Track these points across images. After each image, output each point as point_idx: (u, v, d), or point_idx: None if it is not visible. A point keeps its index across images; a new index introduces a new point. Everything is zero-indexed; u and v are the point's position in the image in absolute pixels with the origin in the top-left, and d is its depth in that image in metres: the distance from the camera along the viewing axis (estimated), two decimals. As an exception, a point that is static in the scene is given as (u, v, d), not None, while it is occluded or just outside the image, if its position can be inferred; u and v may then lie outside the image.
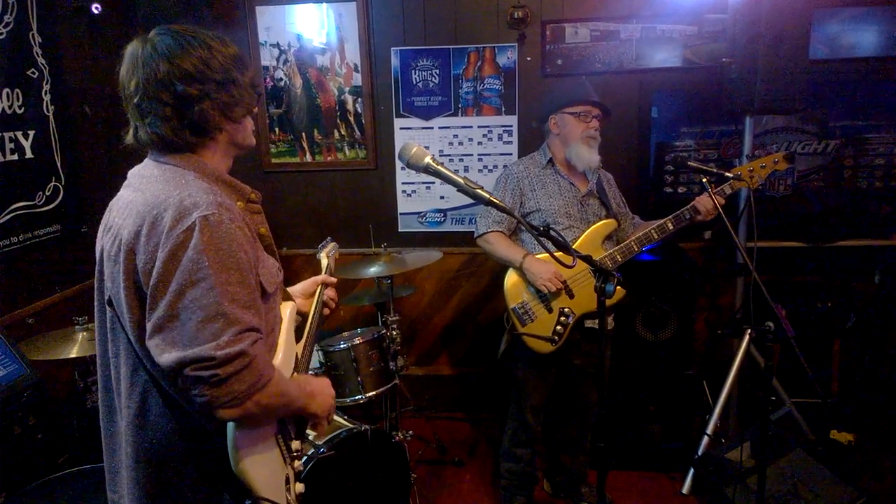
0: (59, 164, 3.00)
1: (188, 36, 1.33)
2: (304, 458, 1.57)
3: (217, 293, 1.16)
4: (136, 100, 1.31)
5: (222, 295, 1.16)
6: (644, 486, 3.16)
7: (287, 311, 1.58)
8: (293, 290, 1.84)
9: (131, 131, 1.36)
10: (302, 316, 1.78)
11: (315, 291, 1.84)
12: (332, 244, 2.22)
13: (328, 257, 2.12)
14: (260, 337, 1.22)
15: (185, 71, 1.28)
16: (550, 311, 2.59)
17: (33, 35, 2.85)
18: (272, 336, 1.45)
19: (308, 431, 1.71)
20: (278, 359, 1.44)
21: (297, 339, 1.65)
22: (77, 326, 2.52)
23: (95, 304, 1.38)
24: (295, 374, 1.54)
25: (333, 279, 1.90)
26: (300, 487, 1.53)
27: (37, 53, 2.87)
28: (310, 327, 1.76)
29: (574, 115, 2.65)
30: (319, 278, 1.87)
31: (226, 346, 1.14)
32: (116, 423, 1.36)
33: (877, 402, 3.58)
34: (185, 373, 1.14)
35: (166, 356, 1.15)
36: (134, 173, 1.38)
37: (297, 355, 1.60)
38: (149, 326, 1.18)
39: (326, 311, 1.86)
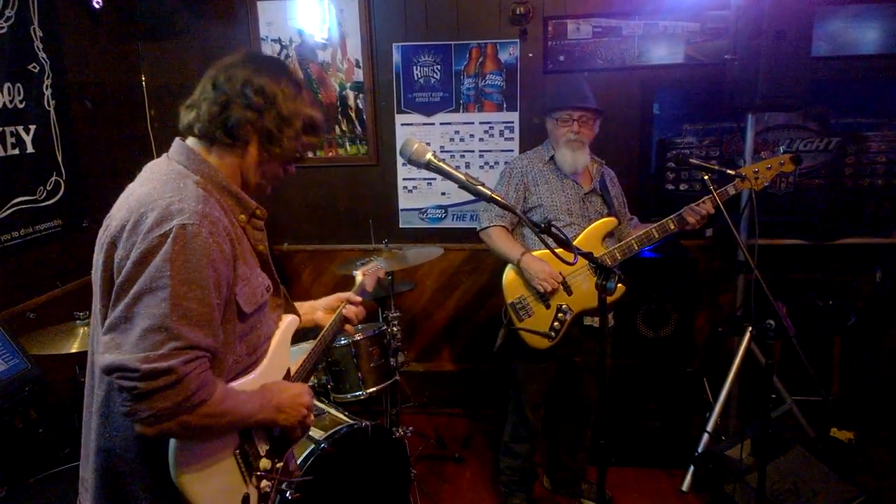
0: (59, 159, 3.00)
1: (291, 74, 1.41)
2: (283, 481, 1.49)
3: (168, 305, 1.15)
4: (197, 94, 1.36)
5: (173, 308, 1.15)
6: (644, 482, 3.16)
7: (284, 323, 1.55)
8: (317, 303, 1.84)
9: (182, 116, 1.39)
10: (321, 329, 1.78)
11: (338, 307, 1.83)
12: (375, 263, 2.15)
13: (364, 275, 2.06)
14: (201, 356, 1.19)
15: (259, 86, 1.33)
16: (548, 307, 2.59)
17: (34, 29, 2.85)
18: (255, 353, 1.43)
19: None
20: (257, 371, 1.42)
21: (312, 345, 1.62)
22: (78, 321, 2.52)
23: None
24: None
25: (357, 298, 1.88)
26: None
27: (38, 48, 2.87)
28: (322, 337, 1.75)
29: (555, 120, 2.66)
30: (344, 295, 1.86)
31: (155, 360, 1.12)
32: (93, 399, 1.36)
33: (877, 401, 3.58)
34: (113, 378, 1.15)
35: (106, 356, 1.15)
36: (147, 166, 1.39)
37: (289, 370, 1.57)
38: (105, 323, 1.19)
39: (349, 327, 1.85)
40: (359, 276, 2.07)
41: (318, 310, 1.82)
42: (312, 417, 1.51)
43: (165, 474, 1.26)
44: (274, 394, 1.41)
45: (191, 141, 1.38)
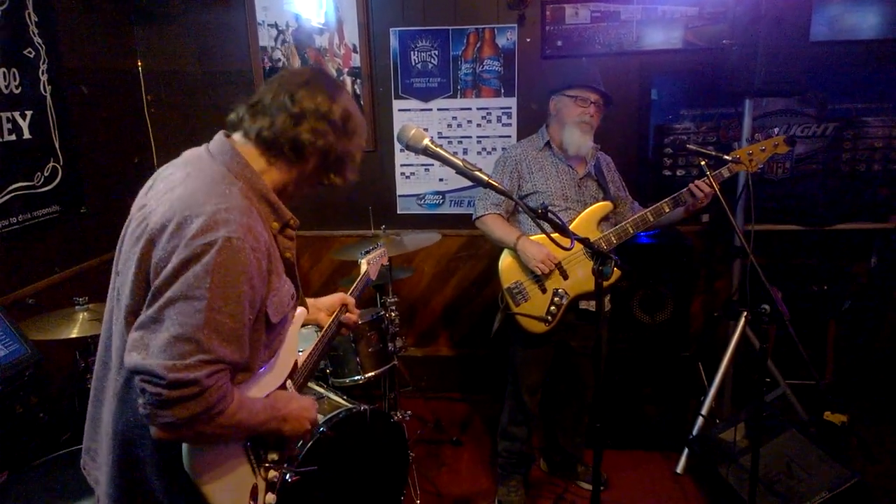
0: (57, 145, 2.99)
1: (351, 103, 1.43)
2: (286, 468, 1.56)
3: (203, 317, 1.15)
4: (269, 99, 1.35)
5: (207, 320, 1.15)
6: (639, 465, 3.20)
7: (295, 316, 1.56)
8: (317, 302, 1.84)
9: (234, 115, 1.40)
10: (319, 328, 1.79)
11: (339, 308, 1.85)
12: (380, 250, 2.14)
13: (369, 264, 2.06)
14: (225, 368, 1.20)
15: (345, 114, 1.38)
16: (544, 291, 2.61)
17: (29, 14, 2.83)
18: (275, 355, 1.46)
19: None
20: (268, 365, 1.44)
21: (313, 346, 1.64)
22: (77, 307, 2.53)
23: (114, 265, 1.38)
24: (288, 383, 1.52)
25: (354, 308, 1.89)
26: (270, 498, 1.48)
27: (33, 33, 2.85)
28: (319, 341, 1.76)
29: (572, 98, 2.65)
30: (347, 298, 1.88)
31: (182, 370, 1.12)
32: (108, 380, 1.37)
33: (870, 384, 3.62)
34: (136, 380, 1.15)
35: (133, 355, 1.16)
36: (186, 159, 1.36)
37: (296, 363, 1.58)
38: (138, 320, 1.19)
39: (345, 330, 1.87)
40: (364, 264, 2.07)
41: (321, 311, 1.82)
42: (312, 429, 1.53)
43: (179, 463, 1.28)
44: (282, 404, 1.42)
45: (238, 139, 1.37)
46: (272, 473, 1.47)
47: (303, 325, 1.68)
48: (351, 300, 1.89)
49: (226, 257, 1.17)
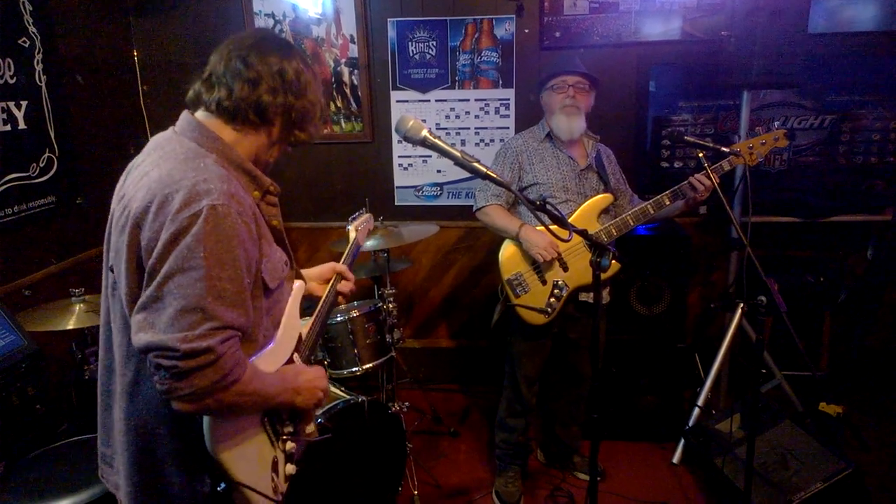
0: (52, 136, 2.97)
1: (305, 57, 1.44)
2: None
3: (204, 286, 1.15)
4: (221, 68, 1.34)
5: (208, 288, 1.16)
6: (636, 455, 3.22)
7: (294, 289, 1.58)
8: (309, 272, 1.84)
9: (192, 92, 1.39)
10: (314, 299, 1.78)
11: (331, 278, 1.84)
12: (366, 216, 2.15)
13: (357, 230, 2.06)
14: (235, 335, 1.21)
15: (295, 70, 1.37)
16: (544, 283, 2.61)
17: (23, 3, 2.80)
18: (278, 326, 1.47)
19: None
20: (276, 338, 1.44)
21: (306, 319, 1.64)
22: (74, 298, 2.53)
23: (103, 264, 1.38)
24: (295, 357, 1.53)
25: (350, 274, 1.89)
26: (291, 469, 1.51)
27: (28, 22, 2.83)
28: (318, 312, 1.75)
29: (551, 89, 2.68)
30: (338, 267, 1.87)
31: (194, 339, 1.13)
32: (114, 383, 1.37)
33: (865, 376, 3.64)
34: (150, 357, 1.15)
35: (140, 335, 1.16)
36: (156, 143, 1.36)
37: (300, 336, 1.59)
38: (138, 302, 1.19)
39: (341, 299, 1.86)
40: (352, 231, 2.07)
41: (311, 280, 1.82)
42: (326, 398, 1.55)
43: (198, 450, 1.29)
44: (292, 377, 1.44)
45: (202, 115, 1.37)
46: (290, 445, 1.51)
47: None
48: (344, 268, 1.88)
49: (214, 224, 1.17)
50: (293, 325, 1.54)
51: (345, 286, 1.86)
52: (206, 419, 1.27)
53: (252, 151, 1.38)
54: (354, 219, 2.14)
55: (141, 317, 1.17)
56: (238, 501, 1.35)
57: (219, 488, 1.32)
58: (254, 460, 1.38)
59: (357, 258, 2.10)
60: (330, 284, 1.82)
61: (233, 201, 1.22)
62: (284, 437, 1.50)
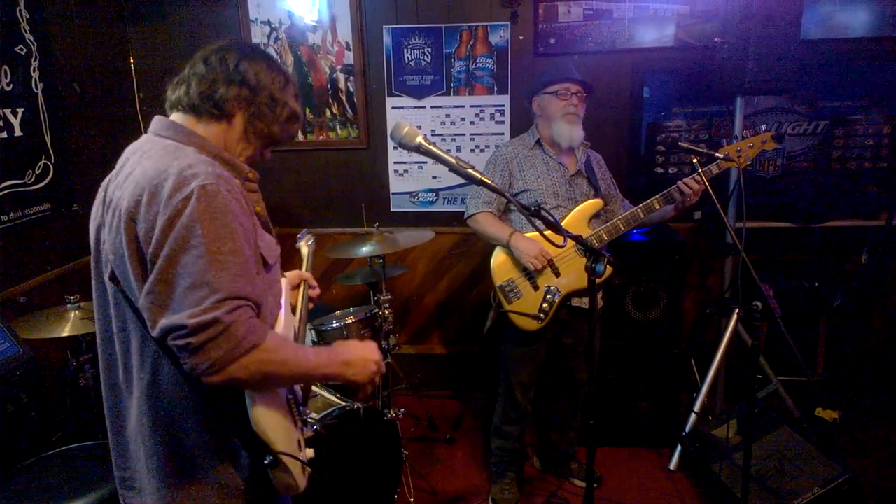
0: (48, 143, 2.98)
1: (281, 67, 1.48)
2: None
3: (206, 261, 1.17)
4: (187, 70, 1.42)
5: (211, 263, 1.17)
6: (632, 462, 3.22)
7: (284, 284, 1.61)
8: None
9: (165, 98, 1.45)
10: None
11: (300, 284, 1.87)
12: (309, 236, 2.21)
13: (307, 246, 2.12)
14: (243, 304, 1.21)
15: (256, 70, 1.41)
16: (536, 288, 2.61)
17: (20, 11, 2.81)
18: (280, 307, 1.49)
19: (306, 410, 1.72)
20: (279, 328, 1.46)
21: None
22: (69, 305, 2.52)
23: (93, 283, 1.39)
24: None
25: (315, 282, 1.93)
26: (310, 453, 1.53)
27: (24, 29, 2.83)
28: (301, 314, 1.78)
29: (553, 94, 2.67)
30: (305, 274, 1.90)
31: (200, 314, 1.14)
32: (122, 401, 1.37)
33: (861, 381, 3.64)
34: (168, 342, 1.17)
35: (155, 321, 1.18)
36: (132, 149, 1.39)
37: (294, 328, 1.61)
38: (144, 289, 1.20)
39: (310, 304, 1.90)
40: (303, 247, 2.12)
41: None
42: (382, 372, 1.54)
43: (229, 430, 1.32)
44: (342, 349, 1.46)
45: (176, 116, 1.41)
46: (306, 431, 1.54)
47: None
48: (310, 275, 1.93)
49: (207, 202, 1.20)
50: (288, 317, 1.55)
51: (313, 293, 1.91)
52: (246, 396, 1.29)
53: (221, 145, 1.41)
54: (301, 237, 2.19)
55: (148, 302, 1.19)
56: (277, 478, 1.36)
57: (266, 461, 1.32)
58: (288, 436, 1.40)
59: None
60: (301, 290, 1.86)
61: (220, 180, 1.24)
62: (305, 421, 1.53)
